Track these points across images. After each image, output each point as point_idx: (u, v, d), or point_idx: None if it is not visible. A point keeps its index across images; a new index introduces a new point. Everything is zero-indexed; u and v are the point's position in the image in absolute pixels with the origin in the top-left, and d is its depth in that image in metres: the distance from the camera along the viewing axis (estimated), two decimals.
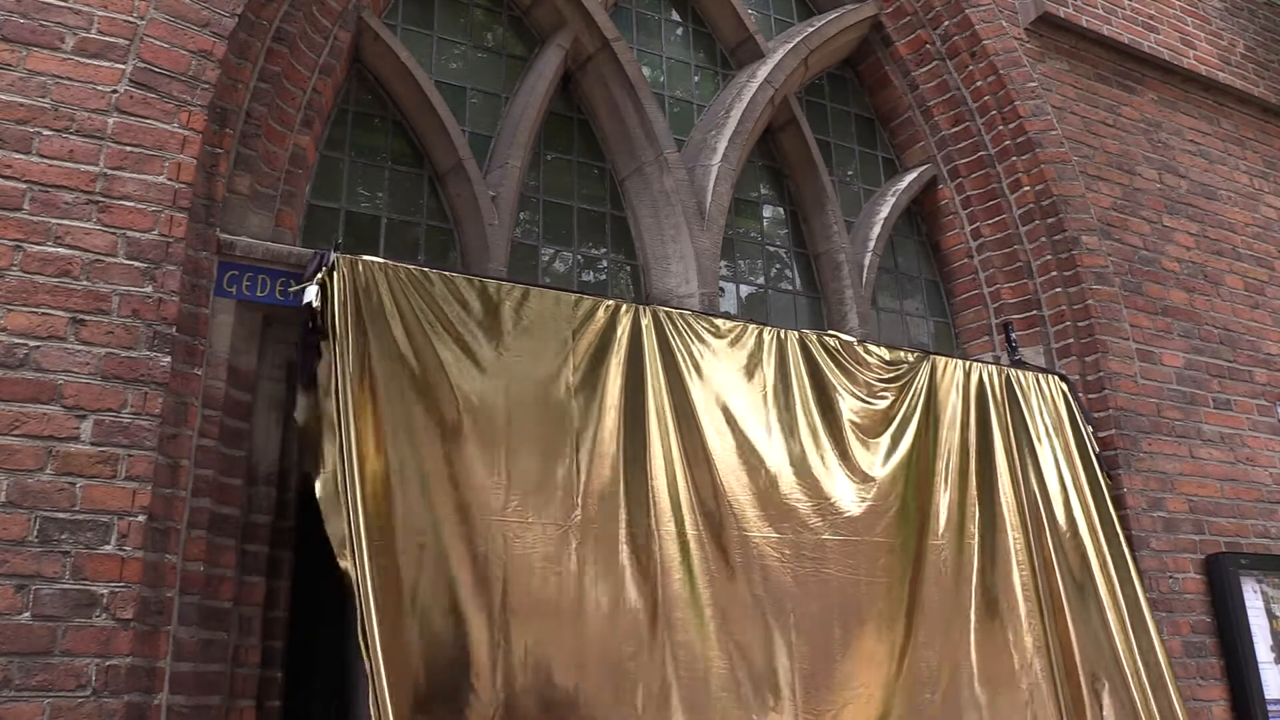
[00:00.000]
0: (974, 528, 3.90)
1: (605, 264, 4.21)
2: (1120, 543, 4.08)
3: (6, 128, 2.74)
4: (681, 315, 3.65)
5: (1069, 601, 3.91)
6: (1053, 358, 4.62)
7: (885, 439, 3.89)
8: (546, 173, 4.18)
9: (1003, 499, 4.00)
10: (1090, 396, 4.48)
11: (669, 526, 3.27)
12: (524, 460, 3.12)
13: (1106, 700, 3.80)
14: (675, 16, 4.78)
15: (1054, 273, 4.69)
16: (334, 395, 2.85)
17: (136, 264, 2.78)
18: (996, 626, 3.78)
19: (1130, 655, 3.87)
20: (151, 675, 2.57)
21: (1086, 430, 4.30)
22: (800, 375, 3.79)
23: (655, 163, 4.20)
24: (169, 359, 2.75)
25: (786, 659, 3.30)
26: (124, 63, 2.93)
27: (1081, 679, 3.79)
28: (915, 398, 4.02)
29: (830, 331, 4.10)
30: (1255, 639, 4.30)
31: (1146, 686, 3.83)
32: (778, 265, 4.65)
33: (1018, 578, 3.88)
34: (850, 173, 5.01)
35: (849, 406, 3.86)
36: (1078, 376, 4.52)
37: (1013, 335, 4.68)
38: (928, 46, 5.03)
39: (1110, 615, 3.92)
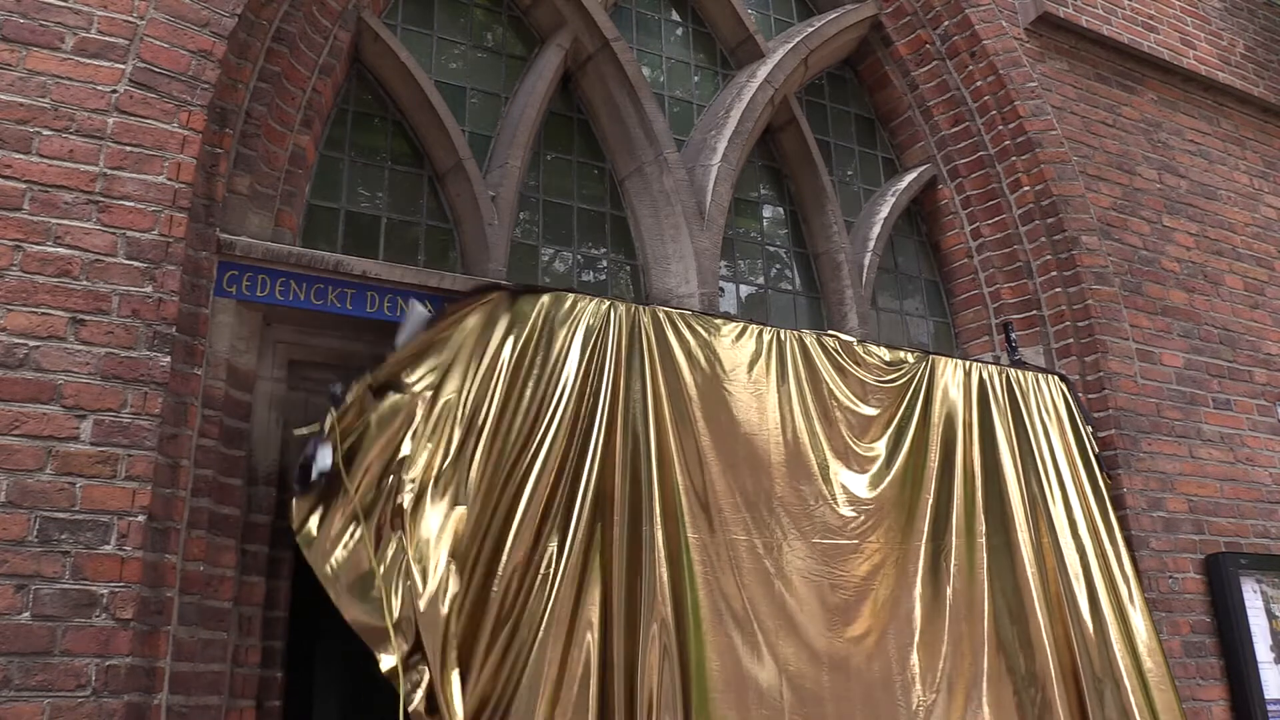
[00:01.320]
0: (980, 526, 3.88)
1: (605, 264, 4.21)
2: (1120, 543, 4.07)
3: (6, 128, 2.74)
4: (681, 315, 3.65)
5: (1068, 601, 3.89)
6: (1052, 358, 4.62)
7: (885, 440, 3.88)
8: (546, 173, 4.18)
9: (1005, 499, 3.98)
10: (1090, 396, 4.48)
11: (666, 529, 3.26)
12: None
13: (1106, 700, 3.79)
14: (675, 16, 4.78)
15: (1054, 273, 4.68)
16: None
17: (136, 264, 2.78)
18: (995, 627, 3.77)
19: (1130, 655, 3.86)
20: (151, 675, 2.57)
21: (1086, 430, 4.30)
22: (800, 375, 3.77)
23: (655, 163, 4.20)
24: (169, 359, 2.75)
25: (774, 662, 3.29)
26: (124, 63, 2.92)
27: (1081, 679, 3.77)
28: (915, 398, 4.01)
29: (830, 332, 4.09)
30: (1255, 639, 4.30)
31: (1146, 687, 3.83)
32: (777, 265, 4.64)
33: (1018, 578, 3.86)
34: (850, 173, 5.00)
35: (848, 407, 3.85)
36: (1078, 376, 4.51)
37: (1013, 335, 4.68)
38: (928, 46, 5.03)
39: (1110, 615, 3.91)
